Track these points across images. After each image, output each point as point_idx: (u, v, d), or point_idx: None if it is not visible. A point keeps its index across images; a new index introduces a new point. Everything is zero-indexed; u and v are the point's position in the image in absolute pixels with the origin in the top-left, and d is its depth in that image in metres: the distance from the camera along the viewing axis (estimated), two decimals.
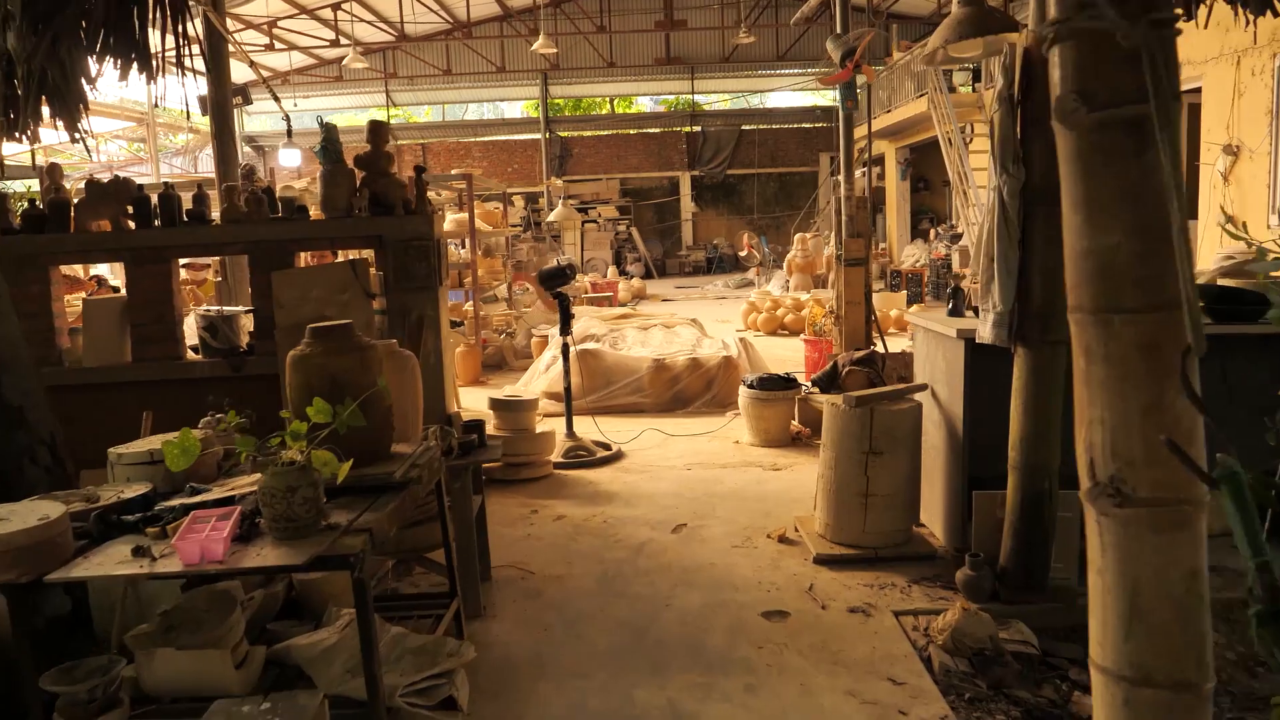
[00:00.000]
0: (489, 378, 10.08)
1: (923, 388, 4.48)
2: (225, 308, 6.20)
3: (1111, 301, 1.69)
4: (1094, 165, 1.74)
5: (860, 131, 21.33)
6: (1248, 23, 3.41)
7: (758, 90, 29.45)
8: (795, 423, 6.67)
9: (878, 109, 21.99)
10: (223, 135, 7.14)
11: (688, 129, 28.56)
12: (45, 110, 4.00)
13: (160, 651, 2.80)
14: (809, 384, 6.63)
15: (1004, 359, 3.71)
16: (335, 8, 21.70)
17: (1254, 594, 1.56)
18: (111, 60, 3.72)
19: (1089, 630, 1.78)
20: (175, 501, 2.88)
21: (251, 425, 3.06)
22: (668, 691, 3.14)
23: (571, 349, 6.58)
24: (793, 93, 29.08)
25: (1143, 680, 1.68)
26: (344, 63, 20.57)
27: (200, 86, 7.27)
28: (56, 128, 4.10)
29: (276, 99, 8.92)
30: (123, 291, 6.84)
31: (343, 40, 23.69)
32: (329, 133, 5.76)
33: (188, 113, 6.23)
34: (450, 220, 11.17)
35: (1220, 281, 4.54)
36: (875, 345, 7.24)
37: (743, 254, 19.13)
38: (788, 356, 10.98)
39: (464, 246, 13.38)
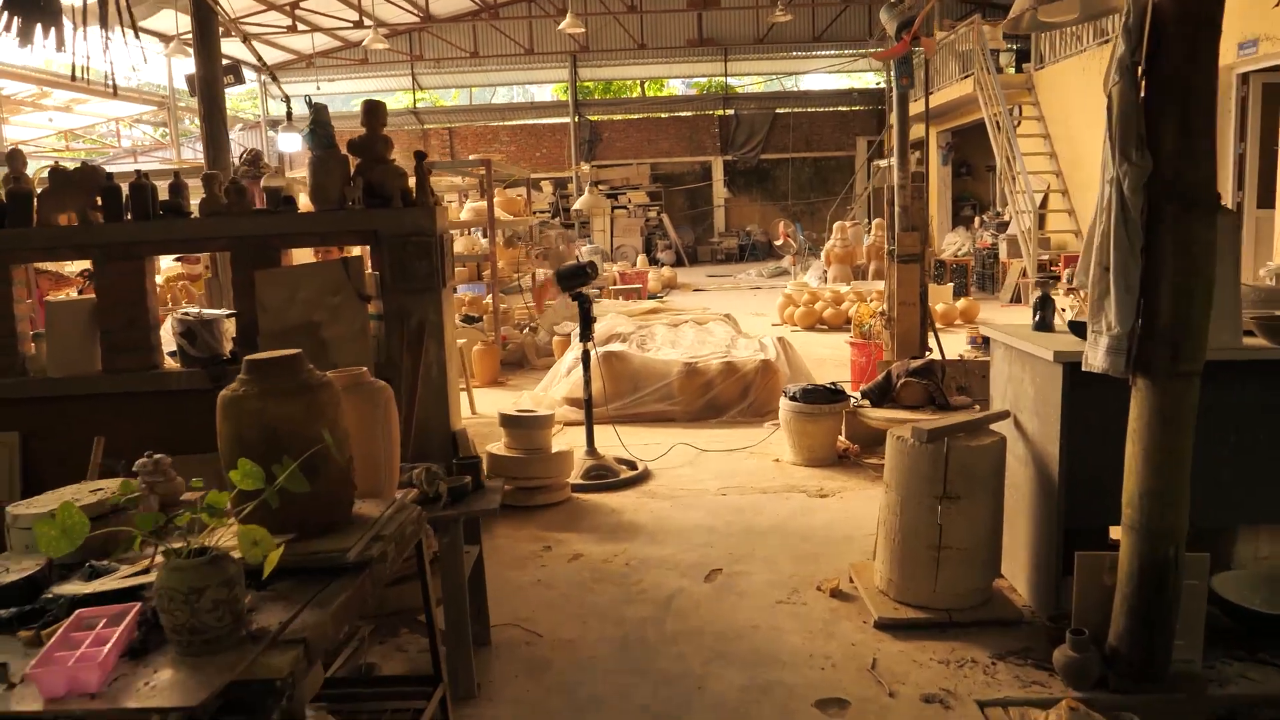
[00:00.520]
0: (508, 377, 9.44)
1: (1004, 415, 3.77)
2: (206, 310, 5.58)
3: None
4: None
5: (919, 106, 20.51)
6: None
7: (793, 72, 28.58)
8: (842, 439, 5.98)
9: (919, 90, 21.08)
10: (212, 117, 6.52)
11: (720, 112, 27.76)
12: None
13: None
14: (858, 395, 5.93)
15: (1115, 390, 3.00)
16: None
17: None
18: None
19: None
20: (68, 588, 2.24)
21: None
22: None
23: (593, 355, 5.91)
24: (829, 74, 28.21)
25: None
26: (364, 43, 19.92)
27: (183, 65, 6.66)
28: None
29: (275, 78, 8.29)
30: None
31: (366, 21, 23.08)
32: (318, 114, 5.11)
33: (113, 85, 5.60)
34: (468, 209, 10.52)
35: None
36: (931, 350, 6.51)
37: (778, 243, 18.38)
38: (828, 355, 10.26)
39: (485, 236, 12.76)
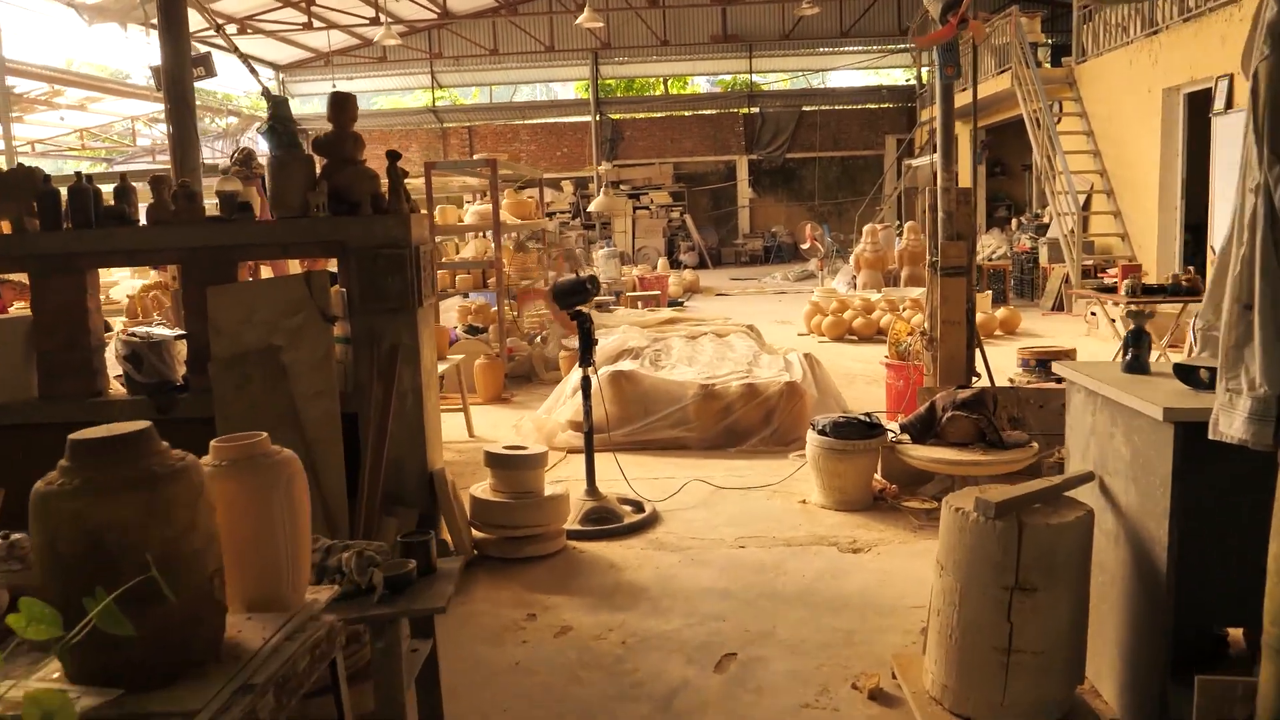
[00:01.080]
0: (514, 392, 8.77)
1: (1087, 478, 3.05)
2: (155, 329, 4.94)
3: None
4: None
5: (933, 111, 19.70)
6: None
7: (820, 69, 27.76)
8: (879, 477, 5.26)
9: (954, 86, 20.25)
10: (180, 112, 5.88)
11: (745, 110, 27.00)
12: None
13: None
14: (896, 429, 5.21)
15: (1249, 462, 2.28)
16: None
17: None
18: None
19: None
20: None
21: None
22: None
23: (595, 381, 5.22)
24: (857, 71, 27.39)
25: None
26: (376, 39, 19.33)
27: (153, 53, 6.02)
28: None
29: (252, 68, 7.66)
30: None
31: (383, 17, 22.50)
32: (277, 108, 4.46)
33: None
34: (472, 212, 9.86)
35: None
36: (979, 376, 5.78)
37: (805, 246, 17.63)
38: (859, 370, 9.54)
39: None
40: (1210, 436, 2.28)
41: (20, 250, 4.56)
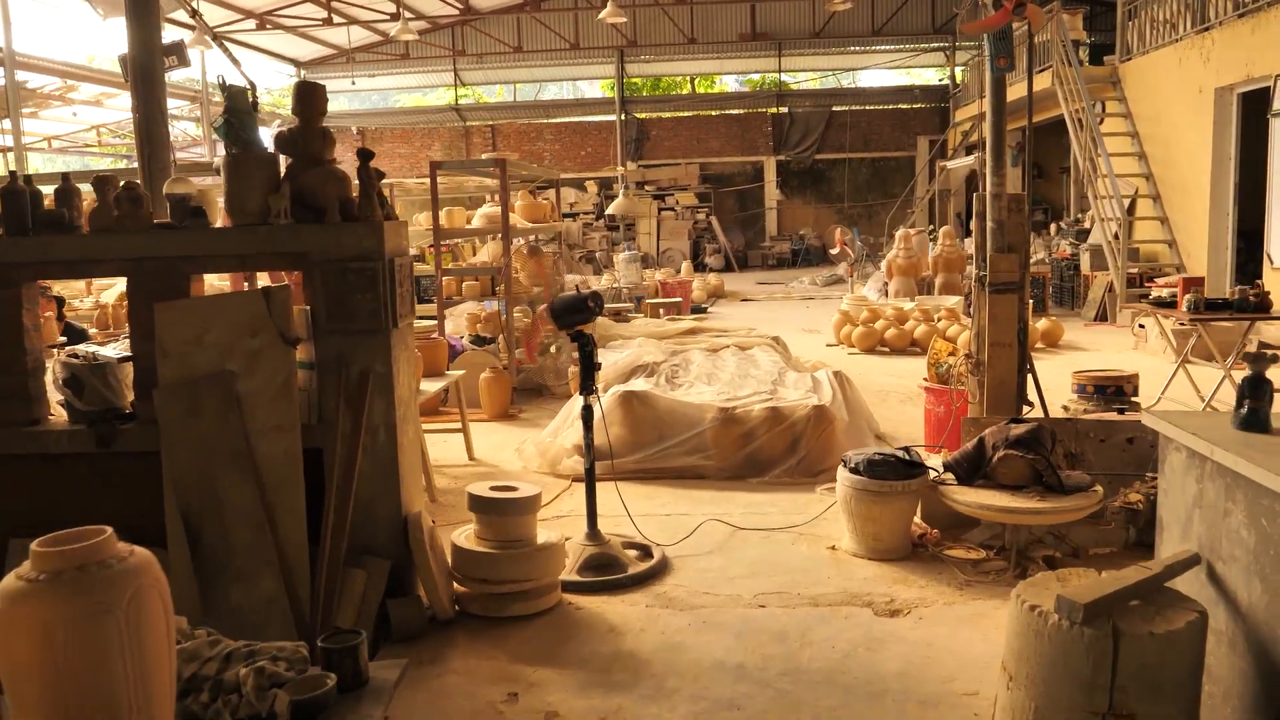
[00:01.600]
0: (522, 407, 8.22)
1: (1192, 562, 2.44)
2: (100, 350, 4.42)
3: None
4: None
5: (978, 108, 18.90)
6: None
7: (850, 68, 27.11)
8: (918, 520, 4.66)
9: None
10: (149, 107, 5.35)
11: (773, 110, 26.38)
12: None
13: None
14: (939, 468, 4.60)
15: None
16: None
17: None
18: None
19: None
20: None
21: None
22: None
23: (598, 409, 4.65)
24: (888, 70, 26.70)
25: None
26: (393, 34, 18.84)
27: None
28: None
29: (232, 57, 7.14)
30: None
31: (403, 13, 22.05)
32: (233, 99, 3.90)
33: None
34: (479, 215, 9.31)
35: None
36: (1031, 405, 5.16)
37: (834, 252, 16.98)
38: (892, 386, 8.91)
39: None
40: None
41: None
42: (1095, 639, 2.11)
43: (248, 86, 3.97)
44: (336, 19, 22.03)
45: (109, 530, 1.65)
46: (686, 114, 27.06)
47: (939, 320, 10.86)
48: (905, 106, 26.19)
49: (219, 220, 4.47)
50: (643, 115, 26.87)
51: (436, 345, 6.59)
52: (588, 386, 4.44)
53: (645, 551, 4.62)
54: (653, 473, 6.01)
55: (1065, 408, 5.42)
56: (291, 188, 3.88)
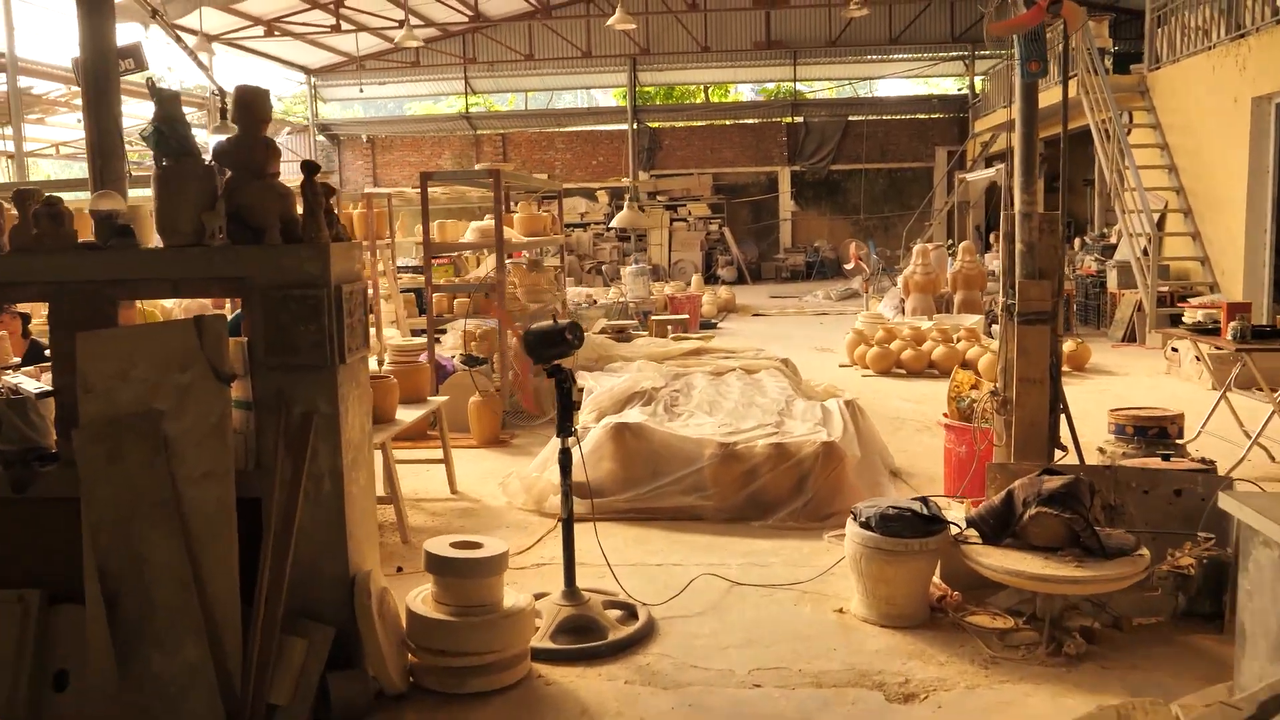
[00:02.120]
0: (514, 433, 7.74)
1: None
2: (23, 382, 3.97)
3: None
4: None
5: (999, 118, 18.32)
6: None
7: (867, 77, 26.60)
8: (937, 579, 4.16)
9: (1010, 95, 19.02)
10: (100, 112, 4.91)
11: (788, 119, 25.88)
12: None
13: None
14: (962, 524, 4.09)
15: None
16: None
17: None
18: None
19: None
20: None
21: None
22: None
23: (577, 453, 4.17)
24: (906, 80, 26.19)
25: None
26: (397, 40, 18.44)
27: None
28: None
29: (196, 59, 6.71)
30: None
31: (411, 19, 21.67)
32: (163, 105, 3.45)
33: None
34: (472, 229, 8.84)
35: None
36: (1066, 451, 4.65)
37: (848, 266, 16.47)
38: (908, 412, 8.41)
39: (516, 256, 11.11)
40: None
41: None
42: None
43: (179, 93, 3.52)
44: (345, 26, 21.67)
45: None
46: (700, 123, 26.60)
47: (958, 341, 10.35)
48: (923, 116, 25.66)
49: (154, 240, 4.01)
50: (655, 124, 26.42)
51: (417, 370, 6.13)
52: (565, 428, 3.96)
53: (629, 612, 4.13)
54: (646, 513, 5.52)
55: (1101, 450, 4.92)
56: (229, 204, 3.43)
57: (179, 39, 7.76)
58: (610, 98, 28.44)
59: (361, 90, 25.76)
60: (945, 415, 5.53)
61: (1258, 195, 11.36)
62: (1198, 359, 8.99)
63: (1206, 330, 6.61)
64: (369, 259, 10.95)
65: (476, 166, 17.18)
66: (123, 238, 3.49)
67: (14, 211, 3.57)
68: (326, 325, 3.36)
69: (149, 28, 17.87)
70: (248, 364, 3.46)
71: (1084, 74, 13.73)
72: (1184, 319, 9.09)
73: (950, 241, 19.67)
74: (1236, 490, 2.33)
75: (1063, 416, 4.61)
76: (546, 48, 25.32)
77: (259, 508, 3.47)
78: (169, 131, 3.39)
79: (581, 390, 7.44)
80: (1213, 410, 6.46)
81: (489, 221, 8.30)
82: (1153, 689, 3.21)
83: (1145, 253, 12.19)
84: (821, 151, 25.64)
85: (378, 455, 5.50)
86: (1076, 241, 16.34)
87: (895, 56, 25.09)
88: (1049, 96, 15.53)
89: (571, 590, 4.04)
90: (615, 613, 4.10)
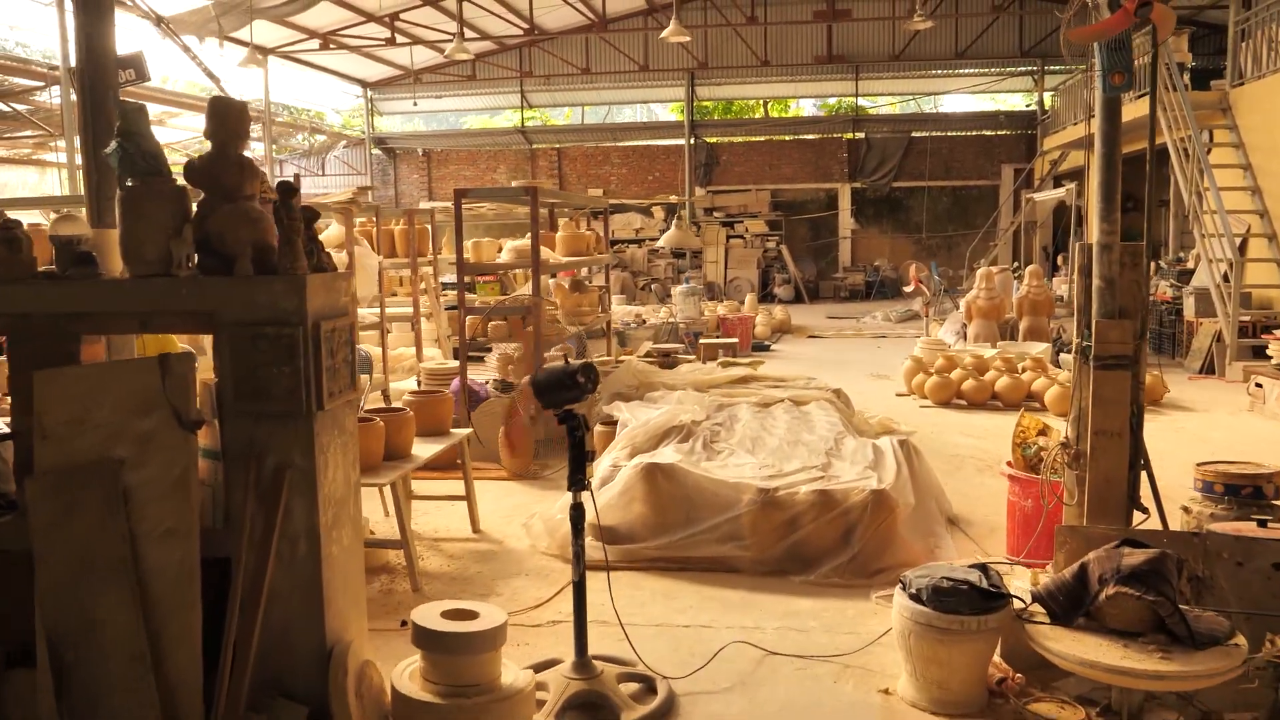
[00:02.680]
0: (547, 463, 7.33)
1: None
2: None
3: None
4: None
5: (1081, 131, 17.58)
6: None
7: (931, 92, 25.93)
8: (997, 659, 3.66)
9: (1080, 112, 18.29)
10: (97, 125, 4.61)
11: (849, 135, 25.30)
12: None
13: None
14: (1026, 597, 3.59)
15: None
16: None
17: None
18: None
19: None
20: None
21: None
22: None
23: (591, 507, 3.74)
24: (971, 95, 25.47)
25: None
26: (447, 53, 18.26)
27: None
28: None
29: (183, 46, 6.42)
30: None
31: (467, 33, 21.52)
32: (126, 119, 3.10)
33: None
34: (509, 250, 8.49)
35: None
36: (1147, 514, 4.11)
37: (908, 288, 15.87)
38: (968, 449, 7.85)
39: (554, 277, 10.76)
40: None
41: None
42: None
43: (145, 104, 3.17)
44: (400, 39, 21.59)
45: None
46: (758, 138, 26.13)
47: (1023, 371, 9.76)
48: (989, 133, 24.91)
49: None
50: (713, 139, 26.01)
51: (438, 401, 5.76)
52: (577, 480, 3.54)
53: (648, 685, 3.69)
54: (677, 563, 5.08)
55: (1186, 509, 4.36)
56: (198, 230, 3.07)
57: (162, 23, 7.43)
58: (668, 112, 28.08)
59: (415, 104, 25.71)
60: (1009, 464, 5.01)
61: None
62: None
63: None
64: (410, 276, 10.67)
65: (514, 184, 16.87)
66: (84, 266, 3.15)
67: None
68: (302, 367, 2.98)
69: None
70: (215, 408, 3.10)
71: (1161, 90, 13.04)
72: (1268, 352, 8.43)
73: (1016, 264, 18.96)
74: None
75: (1144, 474, 4.07)
76: (603, 61, 25.08)
77: (229, 568, 3.11)
78: (134, 148, 3.04)
79: (620, 422, 7.06)
80: None
81: (526, 240, 7.92)
82: None
83: (1226, 279, 11.47)
84: (883, 168, 25.03)
85: (389, 493, 5.13)
86: (1151, 265, 15.58)
87: (961, 71, 24.43)
88: (1125, 112, 14.85)
89: (583, 661, 3.61)
90: (632, 686, 3.67)
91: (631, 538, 5.28)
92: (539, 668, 3.67)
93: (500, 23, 22.26)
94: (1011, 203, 23.51)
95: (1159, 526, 4.04)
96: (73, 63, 13.76)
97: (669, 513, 5.23)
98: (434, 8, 20.74)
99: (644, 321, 14.11)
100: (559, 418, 3.51)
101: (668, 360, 9.72)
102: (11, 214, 3.39)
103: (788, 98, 27.28)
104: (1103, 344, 3.94)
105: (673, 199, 23.77)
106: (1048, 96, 23.20)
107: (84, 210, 4.83)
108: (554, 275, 10.90)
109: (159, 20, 7.99)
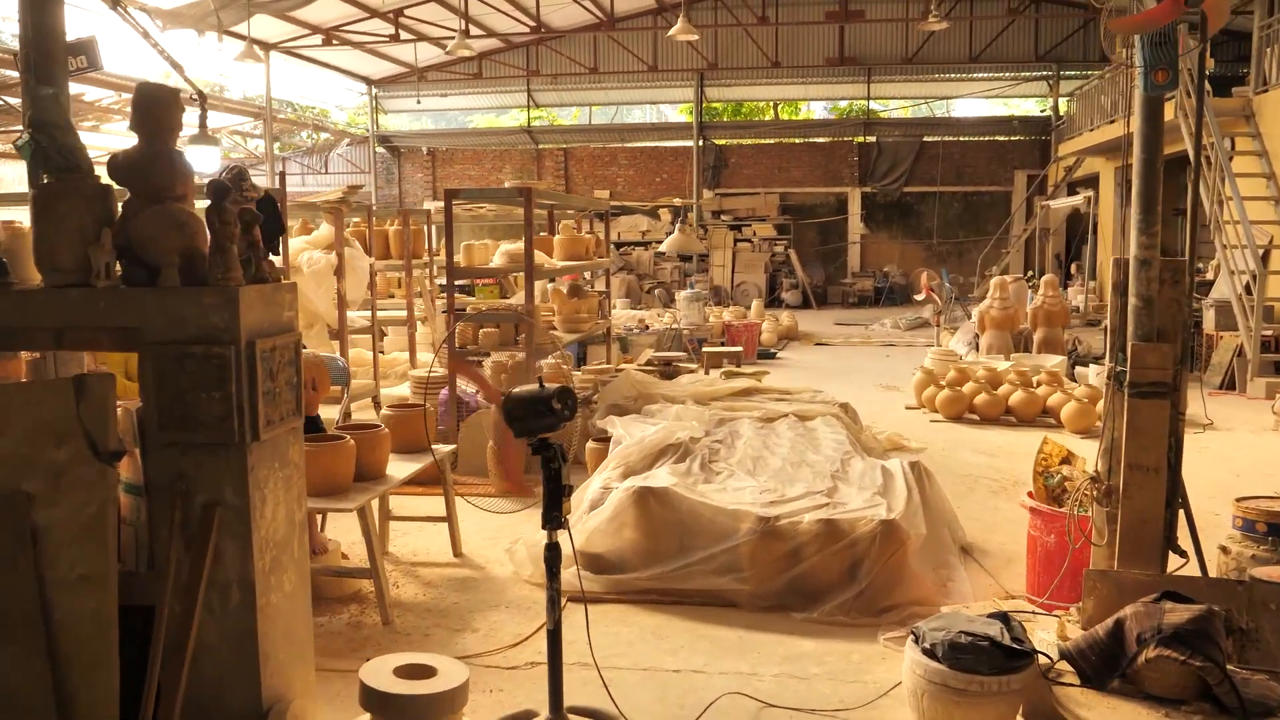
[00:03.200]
0: (539, 479, 6.92)
1: None
2: None
3: None
4: None
5: (1097, 137, 17.24)
6: None
7: (944, 96, 25.53)
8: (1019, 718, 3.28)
9: (1098, 118, 17.88)
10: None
11: (860, 139, 24.91)
12: None
13: None
14: (1054, 653, 3.21)
15: None
16: None
17: None
18: None
19: None
20: None
21: None
22: None
23: (567, 543, 3.38)
24: (985, 100, 25.07)
25: None
26: (450, 47, 17.91)
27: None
28: None
29: (141, 30, 6.09)
30: None
31: (473, 30, 21.19)
32: (40, 109, 2.75)
33: None
34: (501, 253, 8.13)
35: None
36: (1186, 557, 3.73)
37: (919, 297, 15.49)
38: (980, 468, 7.47)
39: (552, 282, 10.43)
40: None
41: None
42: None
43: (57, 92, 2.82)
44: (404, 35, 21.26)
45: None
46: (768, 141, 25.75)
47: (1038, 385, 9.36)
48: (1002, 138, 24.51)
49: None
50: (721, 141, 25.64)
51: (418, 417, 5.39)
52: (552, 517, 3.17)
53: None
54: (670, 595, 4.71)
55: (1224, 549, 3.98)
56: (120, 235, 2.71)
57: (129, 18, 7.07)
58: (676, 113, 27.72)
59: (419, 101, 25.38)
60: (1030, 495, 4.62)
61: None
62: None
63: None
64: (404, 279, 10.33)
65: (508, 184, 16.47)
66: None
67: None
68: (235, 392, 2.62)
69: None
70: (138, 437, 2.74)
71: (1181, 95, 12.64)
72: None
73: (1030, 273, 18.55)
74: None
75: (1183, 513, 3.68)
76: (611, 61, 24.74)
77: (154, 617, 2.75)
78: (48, 141, 2.68)
79: (614, 439, 6.69)
80: None
81: (521, 244, 7.56)
82: None
83: (1248, 291, 11.07)
84: (894, 173, 24.64)
85: (356, 519, 4.77)
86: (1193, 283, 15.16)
87: (975, 75, 24.02)
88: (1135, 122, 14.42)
89: (558, 717, 3.24)
90: None
91: (621, 567, 4.91)
92: None
93: (507, 20, 21.93)
94: (1024, 210, 23.10)
95: (1198, 572, 3.66)
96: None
97: (662, 540, 4.86)
98: (439, 4, 20.39)
99: (647, 327, 13.75)
100: (533, 447, 3.14)
101: (669, 369, 9.35)
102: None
103: (798, 100, 26.90)
104: (1139, 369, 3.56)
105: (676, 201, 23.36)
106: (1063, 102, 22.79)
107: None
108: (552, 280, 10.55)
109: (115, 2, 7.62)
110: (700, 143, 25.15)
